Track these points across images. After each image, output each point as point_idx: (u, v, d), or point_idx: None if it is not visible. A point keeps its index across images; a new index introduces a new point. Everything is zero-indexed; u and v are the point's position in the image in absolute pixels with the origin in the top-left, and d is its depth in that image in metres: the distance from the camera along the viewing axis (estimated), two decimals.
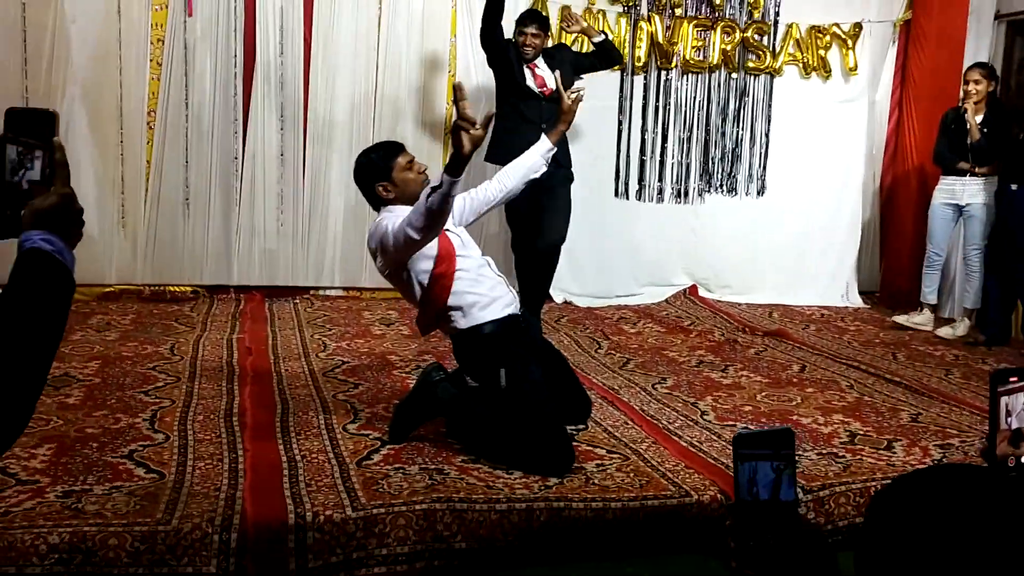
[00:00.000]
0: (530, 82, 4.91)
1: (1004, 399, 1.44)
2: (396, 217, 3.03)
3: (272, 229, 5.54)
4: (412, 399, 3.12)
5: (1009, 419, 1.45)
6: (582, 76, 5.08)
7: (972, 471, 0.85)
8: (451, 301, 3.12)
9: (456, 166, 2.74)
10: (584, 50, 5.52)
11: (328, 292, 5.72)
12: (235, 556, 2.33)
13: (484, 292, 3.16)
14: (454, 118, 2.68)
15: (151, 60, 5.28)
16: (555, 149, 3.53)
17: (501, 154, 4.58)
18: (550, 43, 5.19)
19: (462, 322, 3.15)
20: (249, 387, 3.63)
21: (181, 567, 2.29)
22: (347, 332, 4.78)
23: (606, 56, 5.18)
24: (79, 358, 3.98)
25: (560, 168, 4.68)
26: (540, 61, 4.95)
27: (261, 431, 3.10)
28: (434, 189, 2.75)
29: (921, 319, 5.52)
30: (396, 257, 3.06)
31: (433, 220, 2.85)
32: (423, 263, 3.10)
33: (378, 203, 3.23)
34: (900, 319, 5.57)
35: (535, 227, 4.86)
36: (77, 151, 5.15)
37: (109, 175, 5.30)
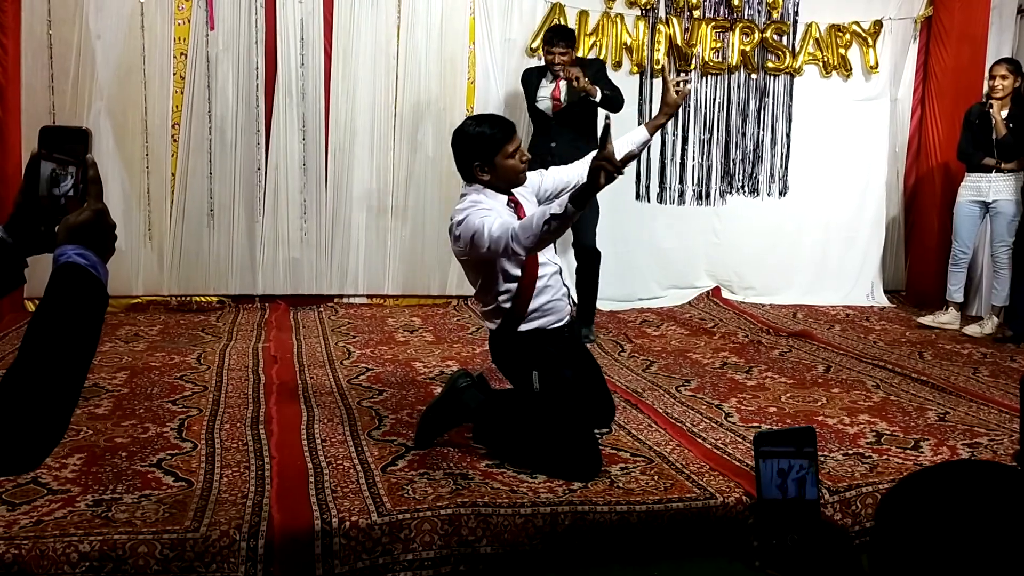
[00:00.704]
0: (546, 93, 5.02)
1: None
2: (487, 211, 2.94)
3: (296, 238, 5.60)
4: (438, 405, 3.14)
5: None
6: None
7: (985, 467, 0.85)
8: (515, 301, 3.10)
9: (584, 199, 2.67)
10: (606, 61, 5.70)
11: (352, 300, 5.76)
12: (262, 563, 2.35)
13: (545, 301, 3.13)
14: (596, 153, 2.62)
15: (174, 74, 5.35)
16: (651, 140, 3.51)
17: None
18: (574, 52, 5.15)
19: (514, 321, 3.13)
20: (275, 395, 3.66)
21: (210, 574, 2.32)
22: (371, 339, 4.81)
23: (610, 107, 5.06)
24: (108, 369, 4.04)
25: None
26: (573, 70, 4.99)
27: (287, 439, 3.13)
28: (553, 216, 2.68)
29: (947, 318, 5.47)
30: (488, 257, 2.98)
31: (542, 244, 2.87)
32: (513, 267, 3.06)
33: (470, 179, 3.10)
34: (926, 320, 5.52)
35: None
36: (104, 165, 5.21)
37: (135, 188, 5.38)
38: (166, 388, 3.77)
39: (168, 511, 2.50)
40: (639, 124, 6.04)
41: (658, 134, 5.98)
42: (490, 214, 2.93)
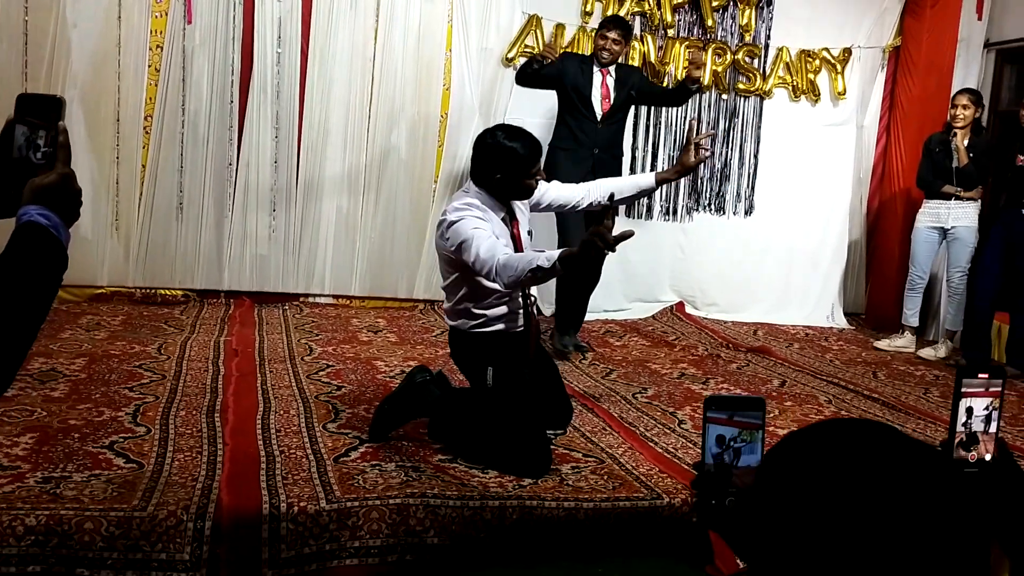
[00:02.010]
0: (596, 92, 4.88)
1: (965, 401, 1.45)
2: (481, 222, 2.94)
3: (264, 235, 5.60)
4: (395, 398, 3.17)
5: (968, 421, 1.46)
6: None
7: (868, 425, 0.89)
8: (479, 307, 3.12)
9: (570, 265, 2.65)
10: (662, 83, 5.80)
11: (318, 299, 5.76)
12: (208, 544, 2.36)
13: (508, 311, 3.15)
14: (592, 228, 2.54)
15: (149, 66, 5.35)
16: (655, 190, 3.63)
17: (549, 174, 4.47)
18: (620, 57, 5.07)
19: (474, 325, 3.15)
20: (233, 386, 3.66)
21: (155, 553, 2.33)
22: (334, 338, 4.83)
23: (679, 99, 5.11)
24: (67, 355, 4.03)
25: None
26: (614, 71, 4.95)
27: (242, 427, 3.14)
28: (540, 267, 2.67)
29: (903, 342, 5.58)
30: (466, 265, 2.94)
31: (522, 288, 2.96)
32: (489, 283, 3.00)
33: (480, 183, 3.08)
34: (881, 344, 5.62)
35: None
36: (73, 155, 5.11)
37: (104, 179, 5.36)
38: (124, 375, 3.76)
39: (117, 490, 2.51)
40: None
41: (628, 149, 6.16)
42: (482, 227, 2.92)
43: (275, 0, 5.45)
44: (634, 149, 6.19)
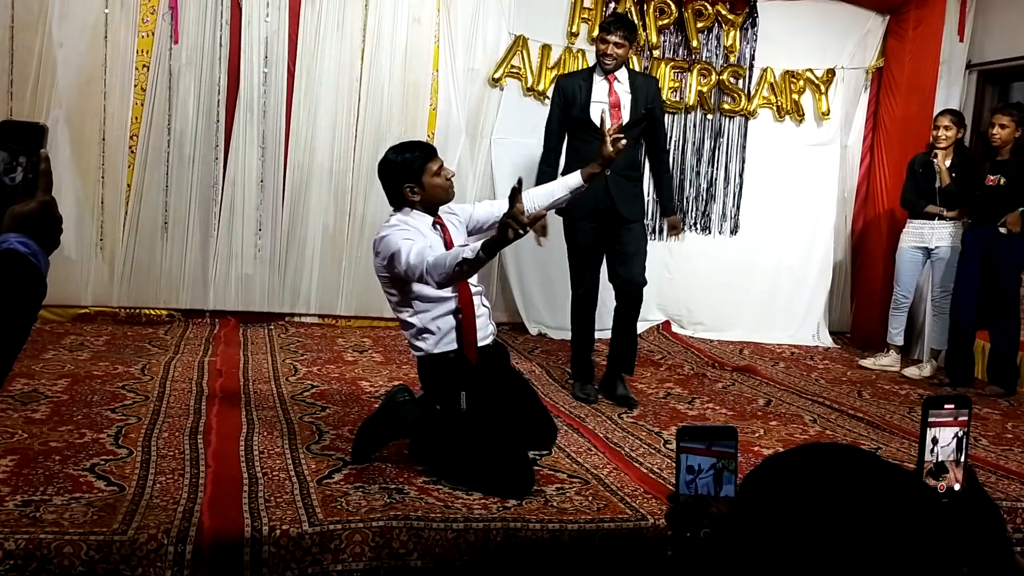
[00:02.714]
0: (601, 104, 4.28)
1: (932, 431, 1.45)
2: (408, 231, 3.07)
3: (249, 255, 5.59)
4: (376, 420, 3.16)
5: (935, 450, 1.47)
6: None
7: (844, 450, 0.90)
8: (430, 324, 3.16)
9: (493, 250, 2.75)
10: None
11: (304, 319, 5.75)
12: (189, 568, 2.34)
13: (457, 316, 3.19)
14: (506, 210, 2.70)
15: (135, 85, 5.35)
16: (585, 187, 3.50)
17: (567, 208, 4.16)
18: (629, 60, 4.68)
19: (432, 345, 3.18)
20: (217, 407, 3.65)
21: None
22: (319, 358, 4.81)
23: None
24: (49, 376, 4.00)
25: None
26: (624, 77, 4.37)
27: (225, 449, 3.12)
28: (465, 259, 2.77)
29: (887, 361, 5.60)
30: (403, 278, 3.05)
31: (452, 283, 2.98)
32: (430, 289, 3.06)
33: (400, 203, 3.22)
34: (866, 363, 5.64)
35: (612, 270, 4.47)
36: (58, 174, 5.13)
37: (89, 197, 5.34)
38: (107, 396, 3.74)
39: (97, 514, 2.49)
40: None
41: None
42: (411, 238, 3.03)
43: (262, 20, 5.46)
44: None
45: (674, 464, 1.32)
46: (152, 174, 5.40)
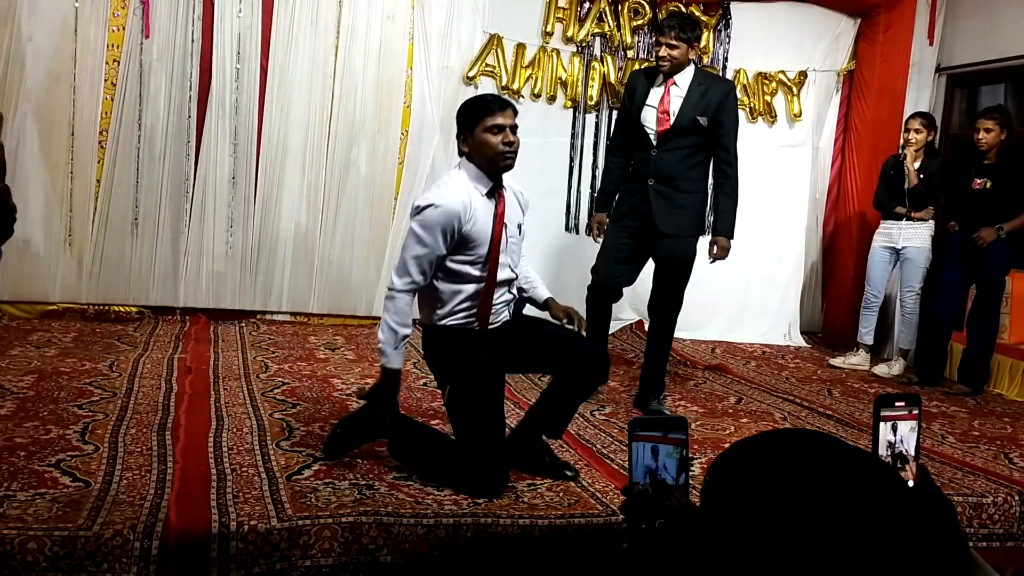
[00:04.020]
0: (655, 101, 4.07)
1: (885, 425, 1.46)
2: (425, 241, 2.87)
3: (221, 252, 5.54)
4: (353, 419, 3.12)
5: (893, 444, 1.48)
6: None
7: (809, 436, 0.91)
8: (449, 290, 2.97)
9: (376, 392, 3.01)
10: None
11: (275, 317, 5.71)
12: (156, 564, 2.32)
13: (479, 300, 2.99)
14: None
15: (106, 80, 5.29)
16: (537, 306, 3.23)
17: (613, 209, 4.23)
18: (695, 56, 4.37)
19: (439, 315, 3.01)
20: (186, 404, 3.61)
21: (100, 573, 2.28)
22: (291, 355, 4.78)
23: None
24: (15, 372, 3.95)
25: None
26: (684, 82, 4.06)
27: (193, 445, 3.09)
28: (383, 351, 2.94)
29: (857, 360, 5.65)
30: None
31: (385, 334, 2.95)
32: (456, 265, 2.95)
33: (461, 153, 3.00)
34: (836, 362, 5.69)
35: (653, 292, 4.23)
36: (26, 168, 5.15)
37: (58, 193, 5.28)
38: (74, 392, 3.70)
39: (62, 510, 2.45)
40: (570, 157, 6.19)
41: (588, 168, 6.20)
42: (423, 253, 2.87)
43: (235, 16, 5.43)
44: (594, 168, 6.20)
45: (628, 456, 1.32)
46: (122, 170, 5.34)
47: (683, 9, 6.13)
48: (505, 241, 3.02)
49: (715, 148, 4.12)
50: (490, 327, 3.05)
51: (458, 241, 2.91)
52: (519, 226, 3.13)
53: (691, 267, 4.18)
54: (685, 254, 4.13)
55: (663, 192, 4.07)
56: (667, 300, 4.15)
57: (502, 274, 3.02)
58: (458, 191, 2.91)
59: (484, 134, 2.91)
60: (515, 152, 2.98)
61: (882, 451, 1.46)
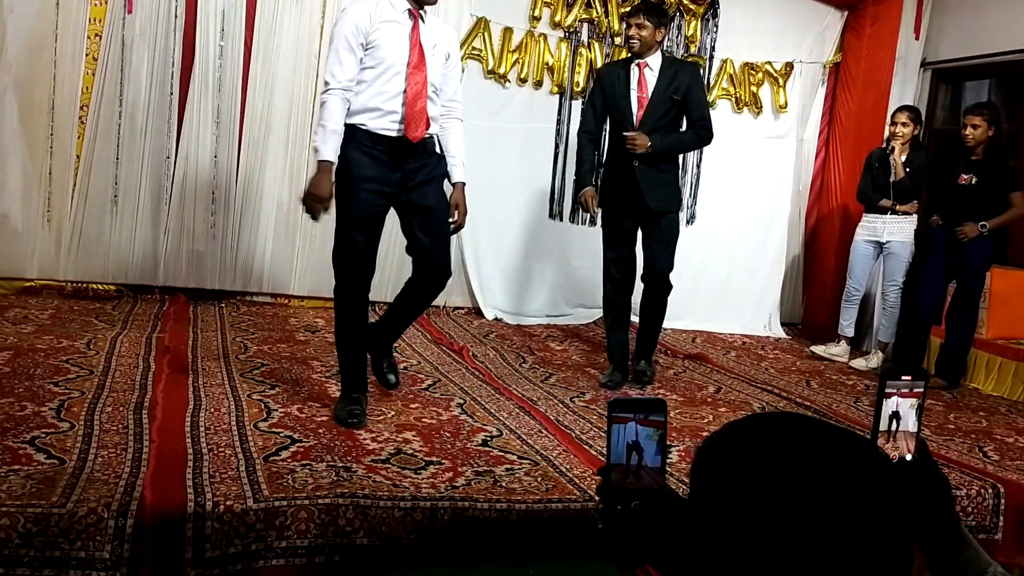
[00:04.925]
0: (632, 93, 4.33)
1: (888, 401, 1.46)
2: (363, 15, 3.24)
3: (201, 231, 5.49)
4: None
5: (895, 421, 1.47)
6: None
7: (794, 418, 0.90)
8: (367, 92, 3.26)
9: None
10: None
11: (256, 298, 5.67)
12: (130, 542, 2.30)
13: (384, 104, 3.25)
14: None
15: (87, 54, 5.22)
16: (461, 183, 3.55)
17: (601, 198, 4.46)
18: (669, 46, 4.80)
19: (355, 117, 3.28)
20: (163, 383, 3.58)
21: (74, 551, 2.26)
22: (270, 337, 4.76)
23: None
24: None
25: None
26: (656, 64, 4.35)
27: (170, 425, 3.07)
28: (317, 148, 3.26)
29: (838, 350, 5.69)
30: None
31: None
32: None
33: None
34: (817, 349, 5.73)
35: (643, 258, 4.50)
36: (5, 143, 5.08)
37: (37, 168, 5.20)
38: (50, 370, 3.66)
39: (36, 487, 2.43)
40: (555, 143, 6.16)
41: (573, 155, 6.17)
42: (342, 48, 3.22)
43: None
44: None
45: (606, 437, 1.31)
46: (102, 146, 5.28)
47: None
48: (417, 58, 3.28)
49: (692, 120, 4.39)
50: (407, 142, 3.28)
51: (368, 46, 3.24)
52: (447, 56, 3.41)
53: (677, 239, 4.50)
54: (674, 228, 4.45)
55: (648, 172, 4.29)
56: (662, 270, 4.44)
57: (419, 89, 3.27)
58: (369, 3, 3.29)
59: None
60: None
61: (883, 426, 1.45)
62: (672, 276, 6.26)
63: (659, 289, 4.47)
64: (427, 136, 3.34)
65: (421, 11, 3.32)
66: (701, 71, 4.56)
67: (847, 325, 5.74)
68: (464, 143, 3.58)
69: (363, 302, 3.41)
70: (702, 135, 4.39)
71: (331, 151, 3.22)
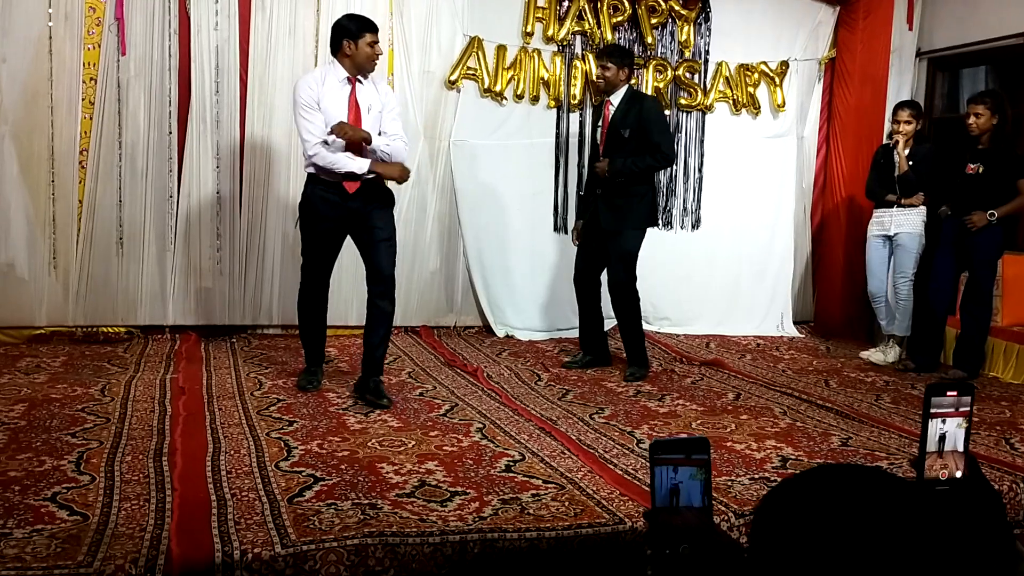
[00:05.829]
0: (599, 123, 4.96)
1: (934, 421, 1.43)
2: (311, 91, 4.00)
3: (208, 267, 5.48)
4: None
5: (942, 440, 1.45)
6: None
7: (854, 470, 0.88)
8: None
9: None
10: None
11: (267, 331, 5.66)
12: None
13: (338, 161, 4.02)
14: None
15: (83, 99, 5.22)
16: (370, 171, 4.08)
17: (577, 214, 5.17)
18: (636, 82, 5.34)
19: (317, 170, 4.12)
20: (181, 427, 3.56)
21: None
22: (284, 370, 4.74)
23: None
24: (4, 401, 3.88)
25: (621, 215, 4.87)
26: (617, 100, 4.85)
27: (191, 470, 3.05)
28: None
29: (893, 355, 5.48)
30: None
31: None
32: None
33: (335, 52, 4.06)
34: (873, 357, 5.51)
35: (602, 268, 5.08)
36: (7, 191, 5.09)
37: (40, 215, 5.20)
38: (66, 420, 3.64)
39: (61, 546, 2.41)
40: (555, 156, 6.15)
41: (574, 167, 6.17)
42: (307, 116, 4.00)
43: (211, 29, 5.36)
44: (580, 167, 6.17)
45: (649, 471, 1.28)
46: (104, 189, 5.28)
47: (662, 4, 6.13)
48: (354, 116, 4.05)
49: (650, 147, 4.76)
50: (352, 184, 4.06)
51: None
52: (378, 110, 4.14)
53: (635, 256, 4.89)
54: (627, 243, 4.85)
55: (607, 197, 4.84)
56: (611, 281, 4.94)
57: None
58: (316, 73, 4.18)
59: (366, 48, 4.02)
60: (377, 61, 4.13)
61: (931, 447, 1.43)
62: (681, 280, 6.35)
63: (615, 296, 4.92)
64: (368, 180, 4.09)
65: (357, 79, 4.08)
66: (658, 103, 5.07)
67: (887, 324, 5.60)
68: (405, 154, 4.27)
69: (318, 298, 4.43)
70: (657, 158, 4.78)
71: (357, 163, 4.03)
